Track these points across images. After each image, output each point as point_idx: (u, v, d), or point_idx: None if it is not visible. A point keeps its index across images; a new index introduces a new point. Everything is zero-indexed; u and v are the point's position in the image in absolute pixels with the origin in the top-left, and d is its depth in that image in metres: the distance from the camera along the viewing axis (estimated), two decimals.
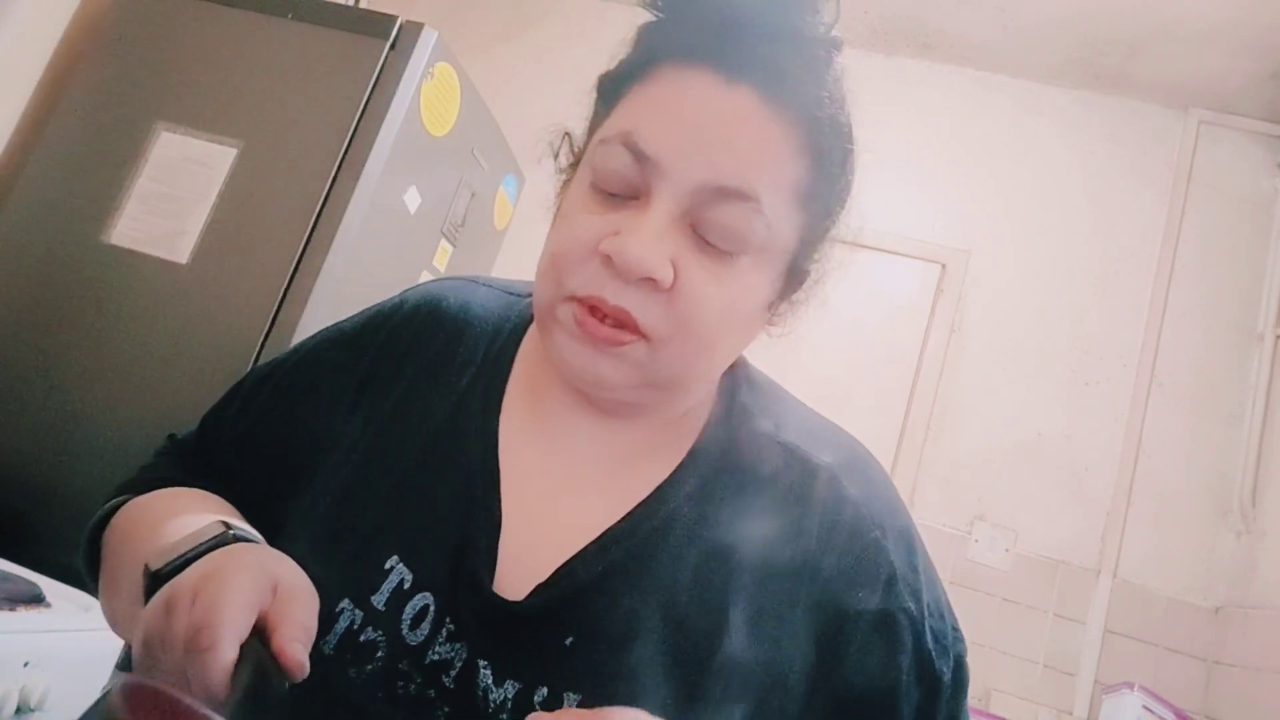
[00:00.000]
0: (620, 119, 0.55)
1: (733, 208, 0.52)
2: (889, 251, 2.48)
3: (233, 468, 0.66)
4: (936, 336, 2.41)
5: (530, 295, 0.69)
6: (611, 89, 0.58)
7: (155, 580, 0.48)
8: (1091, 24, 2.28)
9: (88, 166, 1.59)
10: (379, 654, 0.54)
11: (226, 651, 0.42)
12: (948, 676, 0.57)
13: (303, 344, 0.71)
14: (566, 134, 0.63)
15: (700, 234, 0.53)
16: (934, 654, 0.57)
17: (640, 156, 0.52)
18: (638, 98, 0.55)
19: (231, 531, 0.51)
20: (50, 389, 1.48)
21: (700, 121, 0.52)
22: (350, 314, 0.72)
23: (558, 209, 0.61)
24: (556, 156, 0.64)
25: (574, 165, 0.62)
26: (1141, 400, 2.25)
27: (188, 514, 0.56)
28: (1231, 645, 1.98)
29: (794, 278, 0.60)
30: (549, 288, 0.55)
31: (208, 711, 0.34)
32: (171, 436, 0.73)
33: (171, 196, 1.54)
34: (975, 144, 2.53)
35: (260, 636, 0.44)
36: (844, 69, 0.57)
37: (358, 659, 0.54)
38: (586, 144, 0.60)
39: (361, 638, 0.55)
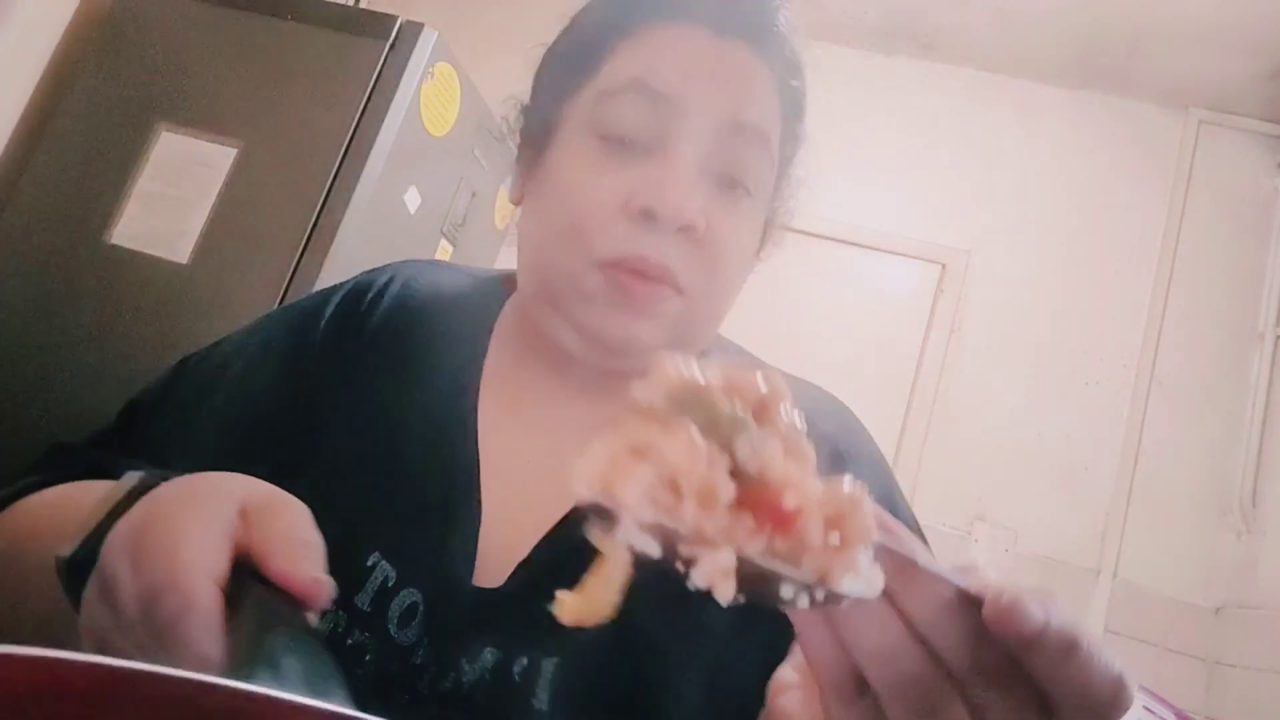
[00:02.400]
0: (621, 70, 0.54)
1: (752, 144, 0.54)
2: (889, 251, 2.48)
3: (183, 462, 0.57)
4: (936, 336, 2.40)
5: (492, 278, 0.67)
6: (590, 52, 0.57)
7: (72, 573, 0.36)
8: (1091, 24, 2.27)
9: (88, 166, 1.59)
10: (367, 657, 0.52)
11: (204, 605, 0.31)
12: None
13: (263, 325, 0.65)
14: (524, 104, 0.62)
15: (720, 176, 0.54)
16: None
17: (658, 98, 0.52)
18: (633, 52, 0.55)
19: (158, 474, 0.39)
20: (50, 388, 1.48)
21: (709, 66, 0.53)
22: (313, 292, 0.66)
23: (525, 179, 0.59)
24: (516, 131, 0.63)
25: (538, 138, 0.59)
26: (1141, 400, 2.25)
27: (90, 488, 0.45)
28: (1231, 645, 1.98)
29: (767, 225, 0.61)
30: (570, 257, 0.53)
31: (118, 663, 0.20)
32: (59, 445, 0.63)
33: (172, 196, 1.54)
34: (975, 144, 2.53)
35: (250, 574, 0.33)
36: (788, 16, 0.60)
37: (345, 664, 0.51)
38: (556, 117, 0.58)
39: (349, 641, 0.52)
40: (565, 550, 0.54)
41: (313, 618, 0.33)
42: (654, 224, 0.51)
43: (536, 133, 0.60)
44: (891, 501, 0.59)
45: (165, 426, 0.61)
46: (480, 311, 0.64)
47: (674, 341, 0.55)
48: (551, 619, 0.52)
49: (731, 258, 0.54)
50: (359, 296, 0.63)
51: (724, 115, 0.53)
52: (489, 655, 0.51)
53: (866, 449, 0.61)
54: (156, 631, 0.31)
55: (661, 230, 0.51)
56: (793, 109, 0.59)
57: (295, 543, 0.34)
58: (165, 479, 0.38)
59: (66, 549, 0.37)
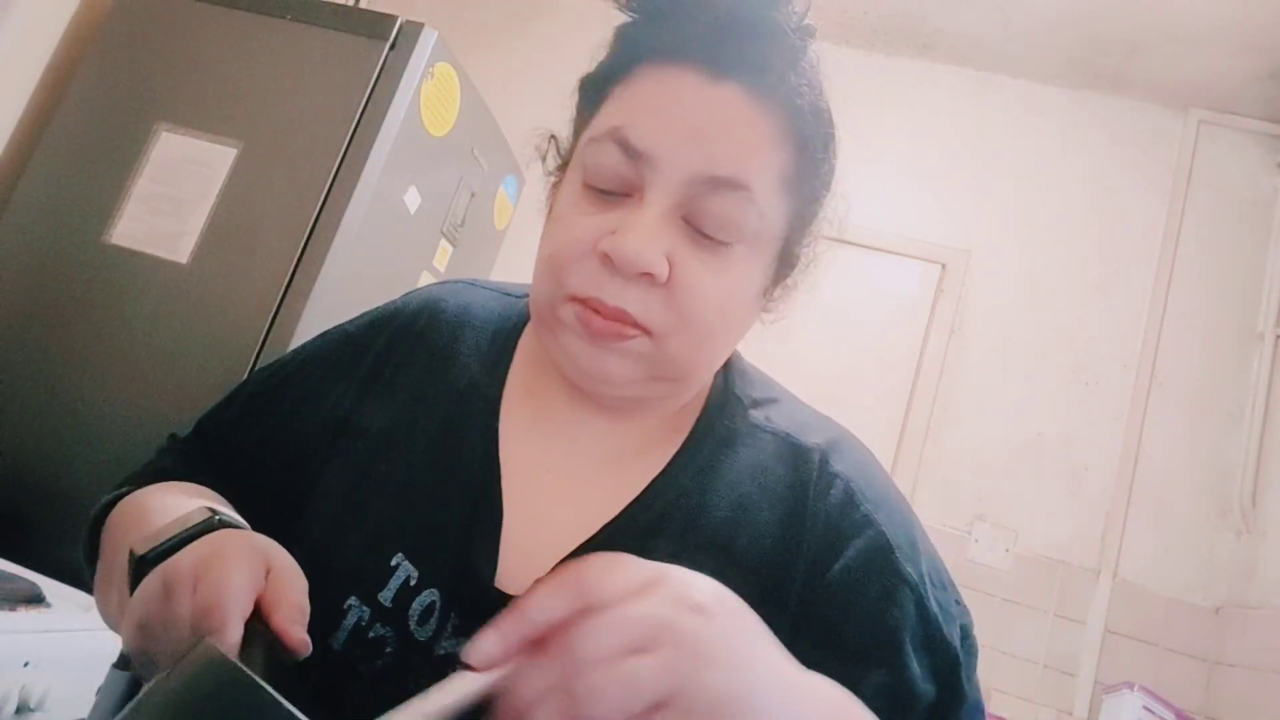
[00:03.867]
0: (608, 117, 0.56)
1: (726, 197, 0.53)
2: (889, 251, 2.48)
3: (234, 470, 0.66)
4: (936, 337, 2.40)
5: (526, 296, 0.70)
6: (593, 90, 0.59)
7: (140, 565, 0.49)
8: (1091, 24, 2.28)
9: (88, 167, 1.59)
10: (388, 649, 0.56)
11: (233, 632, 0.42)
12: (958, 642, 0.57)
13: (304, 346, 0.72)
14: (552, 136, 0.64)
15: (695, 226, 0.54)
16: (940, 620, 0.57)
17: (632, 152, 0.53)
18: (623, 96, 0.56)
19: (218, 517, 0.52)
20: (50, 389, 1.48)
21: (689, 116, 0.53)
22: (350, 314, 0.72)
23: (550, 211, 0.61)
24: (544, 160, 0.64)
25: (562, 167, 0.62)
26: (1141, 400, 2.25)
27: (176, 502, 0.56)
28: (1231, 645, 1.98)
29: (786, 263, 0.61)
30: (549, 288, 0.56)
31: (288, 706, 0.33)
32: (173, 436, 0.72)
33: (172, 196, 1.54)
34: (975, 144, 2.53)
35: (259, 618, 0.45)
36: (818, 56, 0.58)
37: (367, 655, 0.55)
38: (574, 145, 0.61)
39: (370, 634, 0.56)
40: None
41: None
42: (615, 269, 0.52)
43: (563, 163, 0.63)
44: (910, 547, 0.59)
45: (221, 438, 0.69)
46: (508, 327, 0.67)
47: (653, 375, 0.56)
48: None
49: (705, 302, 0.54)
50: (392, 316, 0.69)
51: (696, 170, 0.52)
52: None
53: (883, 493, 0.61)
54: (196, 636, 0.42)
55: (623, 275, 0.52)
56: (805, 153, 0.57)
57: (295, 608, 0.46)
58: (224, 523, 0.51)
59: (141, 549, 0.49)
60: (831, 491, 0.59)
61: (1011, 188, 2.48)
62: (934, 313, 2.43)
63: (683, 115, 0.53)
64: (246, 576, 0.45)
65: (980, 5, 2.34)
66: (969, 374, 2.37)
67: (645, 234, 0.52)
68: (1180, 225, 2.36)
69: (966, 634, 0.59)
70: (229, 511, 0.56)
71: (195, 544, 0.48)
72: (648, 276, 0.52)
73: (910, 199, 2.51)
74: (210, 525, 0.51)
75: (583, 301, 0.54)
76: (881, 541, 0.58)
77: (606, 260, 0.52)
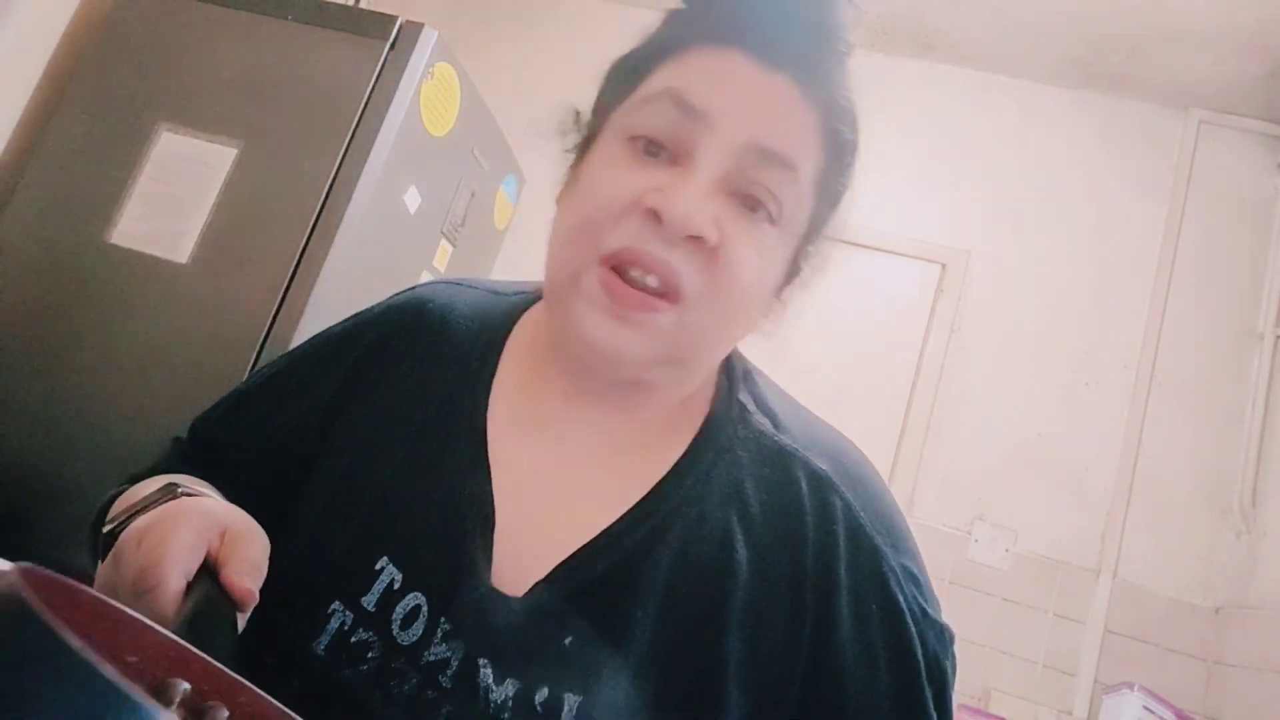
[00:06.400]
0: (661, 82, 0.55)
1: (775, 171, 0.53)
2: (889, 251, 2.48)
3: (223, 470, 0.66)
4: (936, 337, 2.40)
5: (515, 294, 0.69)
6: (637, 66, 0.58)
7: (108, 541, 0.50)
8: (1091, 24, 2.28)
9: (89, 166, 1.59)
10: (371, 654, 0.55)
11: (171, 586, 0.43)
12: (950, 673, 0.58)
13: (295, 348, 0.72)
14: (577, 111, 0.63)
15: (741, 196, 0.54)
16: (939, 654, 0.58)
17: (689, 111, 0.53)
18: (676, 68, 0.56)
19: (179, 488, 0.52)
20: (50, 388, 1.48)
21: (747, 90, 0.54)
22: (347, 316, 0.72)
23: (566, 184, 0.60)
24: (565, 134, 0.63)
25: (583, 145, 0.61)
26: (1141, 400, 2.25)
27: (159, 483, 0.57)
28: (1231, 645, 1.98)
29: (794, 267, 0.61)
30: (577, 253, 0.54)
31: (105, 597, 0.32)
32: (177, 439, 0.73)
33: (172, 196, 1.54)
34: (975, 144, 2.53)
35: (210, 575, 0.45)
36: (854, 68, 0.59)
37: (351, 659, 0.55)
38: (598, 126, 0.60)
39: (353, 639, 0.55)
40: (586, 581, 0.55)
41: (242, 618, 0.46)
42: (661, 228, 0.51)
43: (583, 142, 0.62)
44: (912, 580, 0.59)
45: (212, 439, 0.69)
46: (495, 324, 0.66)
47: (667, 356, 0.55)
48: (569, 651, 0.53)
49: (743, 277, 0.53)
50: (377, 317, 0.68)
51: (751, 138, 0.53)
52: (510, 686, 0.53)
53: (889, 525, 0.61)
54: (136, 596, 0.43)
55: (669, 236, 0.51)
56: (837, 156, 0.58)
57: (247, 563, 0.46)
58: (187, 494, 0.51)
59: (108, 526, 0.51)
60: (839, 523, 0.58)
61: (1011, 188, 2.48)
62: (934, 313, 2.43)
63: (740, 89, 0.53)
64: (189, 535, 0.45)
65: (980, 5, 2.34)
66: (969, 374, 2.37)
67: (696, 195, 0.51)
68: (1180, 225, 2.35)
69: (954, 659, 0.60)
70: (198, 486, 0.56)
71: (148, 513, 0.49)
72: (695, 240, 0.52)
73: (910, 199, 2.51)
74: (169, 493, 0.51)
75: (617, 256, 0.52)
76: (891, 578, 0.58)
77: (651, 217, 0.51)
